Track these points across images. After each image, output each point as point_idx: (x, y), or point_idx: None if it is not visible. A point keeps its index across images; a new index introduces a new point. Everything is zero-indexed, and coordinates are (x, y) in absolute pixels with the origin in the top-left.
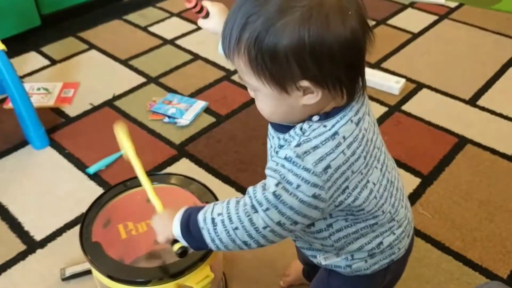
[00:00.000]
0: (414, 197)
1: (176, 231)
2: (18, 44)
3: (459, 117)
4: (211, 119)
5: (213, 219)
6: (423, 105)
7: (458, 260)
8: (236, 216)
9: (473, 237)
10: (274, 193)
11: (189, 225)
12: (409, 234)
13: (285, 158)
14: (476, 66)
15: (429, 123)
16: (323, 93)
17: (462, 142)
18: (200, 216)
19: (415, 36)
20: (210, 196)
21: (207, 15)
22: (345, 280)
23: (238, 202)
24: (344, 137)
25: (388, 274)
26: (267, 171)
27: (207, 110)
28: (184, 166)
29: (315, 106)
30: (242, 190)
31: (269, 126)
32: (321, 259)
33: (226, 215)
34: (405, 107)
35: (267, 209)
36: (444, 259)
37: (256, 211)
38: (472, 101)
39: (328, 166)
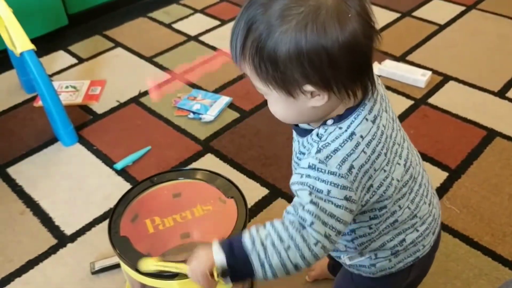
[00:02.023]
0: (441, 191)
1: (219, 259)
2: (47, 44)
3: (488, 110)
4: (235, 115)
5: (262, 242)
6: (450, 98)
7: (487, 255)
8: (286, 234)
9: (503, 232)
10: (312, 202)
11: (234, 251)
12: (434, 231)
13: (309, 167)
14: (505, 57)
15: (456, 116)
16: (330, 96)
17: (491, 135)
18: (247, 240)
19: (442, 27)
20: (235, 191)
21: None
22: (370, 277)
23: (284, 223)
24: (362, 136)
25: (413, 271)
26: (293, 186)
27: (231, 106)
28: (209, 162)
29: (325, 107)
30: (267, 185)
31: (293, 130)
32: (345, 259)
33: (276, 235)
34: (432, 100)
35: (312, 223)
36: (472, 254)
37: (304, 228)
38: (501, 93)
39: (351, 167)
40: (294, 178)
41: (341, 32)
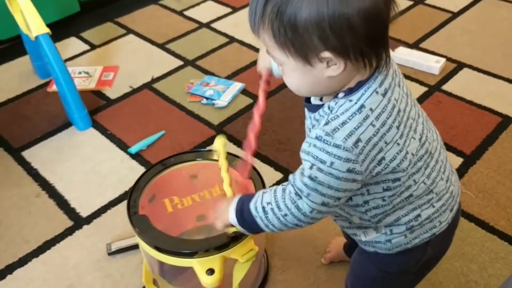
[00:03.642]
0: None
1: (232, 219)
2: (59, 30)
3: (502, 96)
4: (248, 100)
5: (263, 207)
6: (464, 85)
7: (503, 239)
8: (283, 204)
9: None
10: (310, 177)
11: (243, 214)
12: (452, 208)
13: (316, 138)
14: None
15: (470, 103)
16: (346, 65)
17: (506, 121)
18: (252, 206)
19: (455, 15)
20: (253, 172)
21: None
22: (386, 254)
23: (284, 190)
24: (371, 109)
25: (430, 248)
26: (301, 154)
27: (244, 92)
28: None
29: (340, 78)
30: (281, 169)
31: (305, 108)
32: (361, 236)
33: (275, 204)
34: (446, 87)
35: (308, 194)
36: (488, 238)
37: (300, 198)
38: None
39: (358, 140)
40: (303, 146)
41: (363, 1)
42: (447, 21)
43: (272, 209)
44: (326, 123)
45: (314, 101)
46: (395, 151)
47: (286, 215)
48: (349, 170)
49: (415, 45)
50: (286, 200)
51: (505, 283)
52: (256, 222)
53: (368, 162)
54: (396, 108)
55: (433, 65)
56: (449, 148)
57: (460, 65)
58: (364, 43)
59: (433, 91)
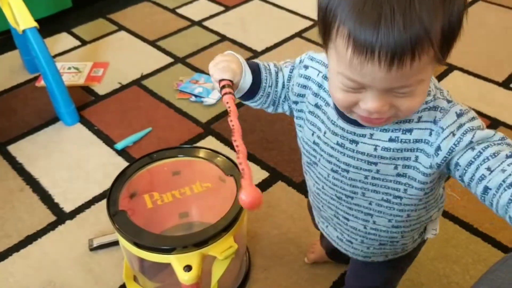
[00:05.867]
0: None
1: None
2: (50, 25)
3: (492, 100)
4: (237, 99)
5: None
6: (454, 87)
7: (487, 241)
8: None
9: (503, 220)
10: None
11: None
12: None
13: (459, 115)
14: (510, 48)
15: None
16: None
17: (494, 124)
18: None
19: None
20: (235, 169)
21: None
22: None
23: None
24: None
25: None
26: (453, 139)
27: None
28: (210, 144)
29: None
30: (268, 168)
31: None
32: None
33: None
34: None
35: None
36: (472, 240)
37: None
38: (506, 84)
39: None
40: (451, 142)
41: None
42: None
43: None
44: (449, 101)
45: None
46: None
47: None
48: None
49: None
50: None
51: (478, 283)
52: None
53: None
54: None
55: None
56: None
57: (450, 68)
58: None
59: None
